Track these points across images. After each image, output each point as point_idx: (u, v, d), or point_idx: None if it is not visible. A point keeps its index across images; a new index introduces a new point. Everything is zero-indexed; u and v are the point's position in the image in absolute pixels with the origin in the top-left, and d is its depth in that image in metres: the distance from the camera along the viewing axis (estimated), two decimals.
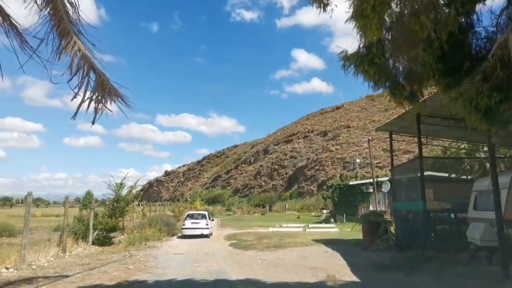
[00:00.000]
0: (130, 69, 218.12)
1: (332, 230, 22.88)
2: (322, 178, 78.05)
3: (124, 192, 17.83)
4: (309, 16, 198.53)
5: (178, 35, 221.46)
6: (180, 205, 28.83)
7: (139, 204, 24.27)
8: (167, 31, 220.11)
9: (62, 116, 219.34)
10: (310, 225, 28.74)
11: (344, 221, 33.12)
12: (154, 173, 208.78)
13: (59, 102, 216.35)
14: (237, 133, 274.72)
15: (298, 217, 46.05)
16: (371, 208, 32.37)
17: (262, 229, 26.34)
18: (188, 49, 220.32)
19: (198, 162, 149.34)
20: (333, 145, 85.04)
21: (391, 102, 6.53)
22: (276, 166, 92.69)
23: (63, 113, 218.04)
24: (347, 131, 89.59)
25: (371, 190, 32.05)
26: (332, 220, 33.93)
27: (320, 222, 34.08)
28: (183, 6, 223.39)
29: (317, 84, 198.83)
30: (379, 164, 71.29)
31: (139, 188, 17.15)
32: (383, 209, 31.95)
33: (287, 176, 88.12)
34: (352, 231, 21.38)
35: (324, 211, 43.73)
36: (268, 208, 69.30)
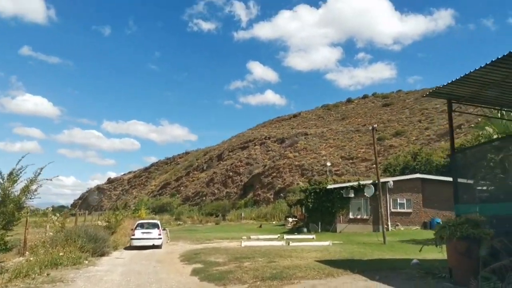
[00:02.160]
0: (77, 72, 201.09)
1: (320, 243, 17.13)
2: (279, 186, 73.05)
3: (16, 188, 10.64)
4: (265, 30, 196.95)
5: (132, 41, 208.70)
6: (119, 213, 21.46)
7: (58, 212, 16.84)
8: (120, 36, 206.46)
9: None
10: (286, 237, 22.82)
11: (319, 230, 27.63)
12: (97, 181, 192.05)
13: None
14: (189, 142, 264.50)
15: (260, 226, 40.01)
16: (351, 216, 27.28)
17: (228, 243, 19.87)
18: (142, 56, 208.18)
19: (146, 169, 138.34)
20: (291, 152, 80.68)
21: None
22: (231, 173, 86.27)
23: None
24: (304, 138, 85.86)
25: (352, 195, 26.95)
26: (305, 229, 28.28)
27: (291, 232, 28.30)
28: (138, 11, 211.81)
29: (270, 96, 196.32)
30: (338, 172, 67.86)
31: (41, 182, 9.48)
32: (365, 216, 26.96)
33: (242, 183, 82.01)
34: (357, 247, 15.72)
35: (290, 219, 38.09)
36: (221, 217, 62.60)
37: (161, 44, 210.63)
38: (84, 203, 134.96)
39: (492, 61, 7.88)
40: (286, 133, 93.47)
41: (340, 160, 73.27)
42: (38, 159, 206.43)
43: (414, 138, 71.80)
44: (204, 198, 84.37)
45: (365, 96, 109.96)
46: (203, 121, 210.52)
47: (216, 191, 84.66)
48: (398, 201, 26.21)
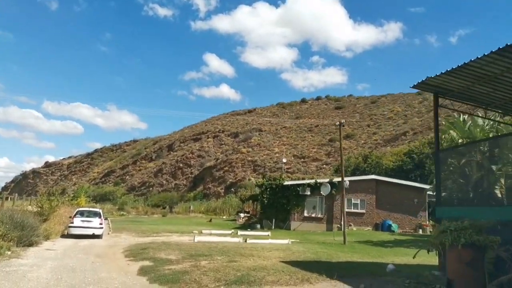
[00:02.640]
0: (17, 46, 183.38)
1: (279, 241, 16.09)
2: (231, 180, 71.81)
3: None
4: (224, 23, 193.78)
5: (81, 18, 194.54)
6: (54, 199, 18.84)
7: None
8: (68, 12, 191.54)
9: None
10: (240, 233, 21.59)
11: (273, 227, 26.78)
12: (33, 165, 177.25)
13: None
14: (137, 130, 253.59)
15: (210, 221, 38.46)
16: (305, 214, 26.73)
17: (179, 237, 18.18)
18: (91, 35, 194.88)
19: (88, 154, 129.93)
20: (244, 147, 79.69)
21: None
22: (181, 165, 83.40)
23: None
24: (259, 134, 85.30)
25: (308, 193, 26.39)
26: (258, 226, 27.27)
27: (244, 228, 27.14)
28: None
29: (225, 91, 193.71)
30: (289, 169, 68.05)
31: None
32: (320, 215, 26.54)
33: (193, 175, 79.60)
34: (318, 247, 14.89)
35: (242, 214, 36.96)
36: (169, 209, 60.04)
37: (113, 26, 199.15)
38: (17, 186, 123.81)
39: (492, 51, 7.18)
40: (240, 127, 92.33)
41: (292, 158, 73.63)
42: None
43: (362, 141, 74.09)
44: (151, 188, 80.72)
45: (318, 98, 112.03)
46: (154, 110, 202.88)
47: (164, 182, 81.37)
48: (353, 201, 26.11)
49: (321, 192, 25.85)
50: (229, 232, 21.84)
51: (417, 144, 41.09)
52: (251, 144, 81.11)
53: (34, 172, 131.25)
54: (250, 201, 42.35)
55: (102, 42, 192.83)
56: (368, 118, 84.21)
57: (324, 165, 70.54)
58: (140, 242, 15.44)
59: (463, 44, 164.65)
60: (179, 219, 44.17)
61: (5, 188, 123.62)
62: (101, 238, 17.13)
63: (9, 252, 10.68)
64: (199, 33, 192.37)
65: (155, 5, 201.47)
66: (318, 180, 26.69)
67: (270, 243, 15.62)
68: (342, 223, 17.84)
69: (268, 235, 21.47)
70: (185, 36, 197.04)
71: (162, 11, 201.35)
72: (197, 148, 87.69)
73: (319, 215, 26.38)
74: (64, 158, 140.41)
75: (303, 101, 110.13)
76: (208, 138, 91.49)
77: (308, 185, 26.39)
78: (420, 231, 24.75)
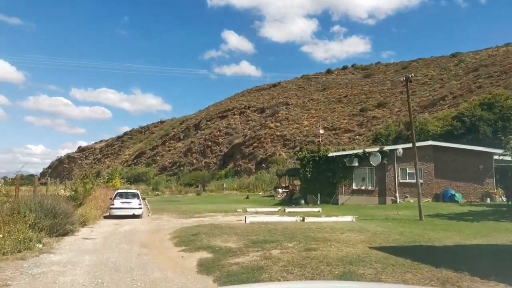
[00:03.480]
0: (41, 36, 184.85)
1: (341, 219, 13.78)
2: (261, 156, 69.78)
3: None
4: None
5: (98, 2, 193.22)
6: (88, 181, 17.17)
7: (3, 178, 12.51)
8: None
9: None
10: (287, 210, 19.47)
11: (318, 202, 24.51)
12: (67, 150, 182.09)
13: None
14: (163, 112, 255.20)
15: (247, 198, 36.67)
16: (354, 187, 24.23)
17: (224, 217, 16.24)
18: (110, 19, 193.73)
19: (119, 137, 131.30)
20: (272, 122, 77.10)
21: None
22: (210, 143, 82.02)
23: None
24: (286, 108, 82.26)
25: (356, 164, 23.76)
26: (302, 201, 25.07)
27: (287, 204, 25.05)
28: None
29: (246, 67, 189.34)
30: (321, 142, 65.11)
31: None
32: (370, 187, 23.98)
33: (222, 153, 78.17)
34: (394, 224, 12.48)
35: (280, 190, 34.93)
36: (202, 188, 59.12)
37: (130, 9, 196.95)
38: (54, 172, 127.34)
39: None
40: (266, 102, 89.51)
41: (323, 130, 70.46)
42: (4, 126, 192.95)
43: (396, 109, 69.86)
44: (181, 168, 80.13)
45: (344, 68, 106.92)
46: (177, 91, 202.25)
47: (194, 161, 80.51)
48: (407, 171, 23.28)
49: (371, 163, 23.25)
50: (276, 209, 19.74)
51: (467, 106, 37.22)
52: (279, 118, 78.38)
53: (69, 157, 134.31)
54: (287, 176, 40.23)
55: (121, 25, 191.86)
56: (401, 84, 79.04)
57: (357, 136, 67.18)
58: (185, 224, 13.51)
59: (493, 3, 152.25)
60: (214, 197, 42.80)
61: (42, 174, 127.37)
62: (141, 217, 17.24)
63: (40, 245, 8.89)
64: (215, 10, 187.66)
65: None
66: (367, 150, 23.95)
67: (332, 221, 13.33)
68: (418, 194, 15.13)
69: (319, 211, 19.24)
70: (202, 15, 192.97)
71: None
72: (224, 125, 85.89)
73: (370, 188, 23.79)
74: (96, 142, 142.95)
75: (329, 72, 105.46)
76: (234, 115, 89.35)
77: (356, 155, 23.73)
78: (488, 200, 21.82)
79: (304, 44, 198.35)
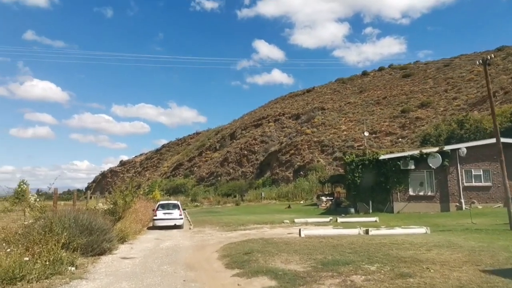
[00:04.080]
0: (82, 56, 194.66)
1: (413, 231, 11.67)
2: (298, 163, 67.61)
3: None
4: (269, 6, 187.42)
5: (135, 22, 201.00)
6: (128, 193, 16.17)
7: (37, 193, 11.67)
8: (123, 17, 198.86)
9: (7, 105, 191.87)
10: (339, 220, 17.47)
11: (370, 211, 22.23)
12: (110, 165, 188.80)
13: (4, 90, 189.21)
14: (198, 124, 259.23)
15: (289, 207, 34.84)
16: (411, 193, 21.73)
17: (272, 230, 14.57)
18: (146, 37, 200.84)
19: (157, 150, 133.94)
20: (308, 128, 74.84)
21: None
22: (246, 152, 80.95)
23: (8, 101, 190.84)
24: (321, 113, 79.75)
25: (412, 167, 21.31)
26: (352, 210, 22.90)
27: (334, 213, 22.96)
28: None
29: (277, 76, 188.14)
30: (361, 147, 62.01)
31: None
32: (430, 192, 21.38)
33: (258, 162, 76.75)
34: (489, 235, 10.25)
35: (323, 198, 32.76)
36: (240, 198, 57.93)
37: (164, 25, 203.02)
38: (98, 186, 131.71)
39: None
40: (301, 108, 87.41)
41: (362, 134, 67.28)
42: (51, 144, 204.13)
43: (442, 108, 65.38)
44: (219, 178, 79.56)
45: (381, 69, 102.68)
46: (211, 102, 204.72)
47: (231, 170, 79.68)
48: (473, 173, 20.54)
49: (430, 165, 20.78)
50: (326, 219, 17.79)
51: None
52: (315, 124, 75.99)
53: (111, 171, 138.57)
54: (329, 183, 37.99)
55: (156, 42, 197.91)
56: (444, 82, 74.48)
57: (400, 139, 63.41)
58: (232, 239, 12.00)
59: None
60: (254, 207, 41.28)
61: (88, 188, 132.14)
62: (182, 227, 17.77)
63: (72, 268, 7.65)
64: (246, 20, 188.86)
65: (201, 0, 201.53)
66: (424, 151, 21.45)
67: (403, 234, 11.26)
68: (506, 201, 12.66)
69: (376, 221, 17.10)
70: (233, 26, 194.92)
71: (208, 4, 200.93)
72: (259, 133, 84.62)
73: (429, 193, 21.21)
74: (136, 156, 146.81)
75: (364, 74, 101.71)
76: (269, 122, 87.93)
77: (412, 157, 21.30)
78: None
79: (336, 48, 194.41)
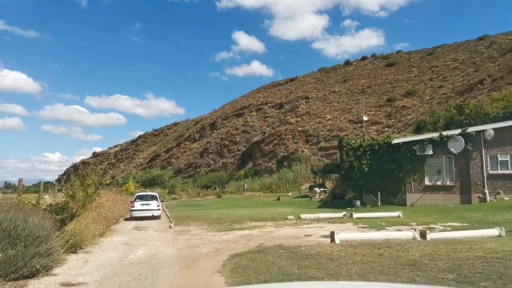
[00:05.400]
0: (55, 46, 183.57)
1: (476, 233, 8.59)
2: (282, 153, 64.50)
3: None
4: None
5: (110, 11, 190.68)
6: (90, 183, 12.31)
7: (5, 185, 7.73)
8: (98, 6, 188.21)
9: None
10: (355, 215, 14.27)
11: (379, 203, 19.25)
12: (83, 157, 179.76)
13: None
14: (176, 115, 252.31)
15: (278, 199, 31.58)
16: (427, 182, 18.86)
17: (278, 228, 11.16)
18: (122, 27, 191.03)
19: (133, 141, 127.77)
20: (292, 117, 71.77)
21: None
22: (227, 142, 77.13)
23: None
24: (305, 102, 76.85)
25: (430, 152, 18.39)
26: (358, 202, 19.81)
27: (329, 206, 19.87)
28: None
29: (257, 67, 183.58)
30: (346, 136, 59.75)
31: None
32: (449, 182, 18.56)
33: (240, 152, 73.21)
34: None
35: (317, 189, 29.67)
36: (220, 190, 54.55)
37: (141, 15, 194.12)
38: (69, 178, 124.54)
39: None
40: (284, 97, 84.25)
41: (348, 124, 65.05)
42: (22, 136, 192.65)
43: (428, 97, 63.81)
44: (198, 169, 75.54)
45: (364, 58, 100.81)
46: (190, 94, 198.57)
47: (211, 161, 75.77)
48: (499, 159, 17.83)
49: (451, 149, 17.90)
50: (339, 215, 14.53)
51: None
52: (299, 113, 73.01)
53: (83, 163, 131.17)
54: (319, 173, 35.01)
55: (133, 32, 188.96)
56: (429, 71, 73.06)
57: (386, 128, 61.41)
58: (230, 245, 8.52)
59: None
60: (238, 199, 37.85)
61: (58, 180, 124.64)
62: (159, 218, 17.77)
63: None
64: (225, 11, 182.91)
65: None
66: (444, 133, 18.54)
67: (474, 236, 8.10)
68: None
69: (399, 216, 14.02)
70: (212, 17, 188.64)
71: None
72: (241, 123, 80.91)
73: (448, 182, 18.36)
74: (110, 147, 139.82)
75: (347, 63, 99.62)
76: (251, 112, 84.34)
77: (430, 140, 18.36)
78: None
79: (315, 40, 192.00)
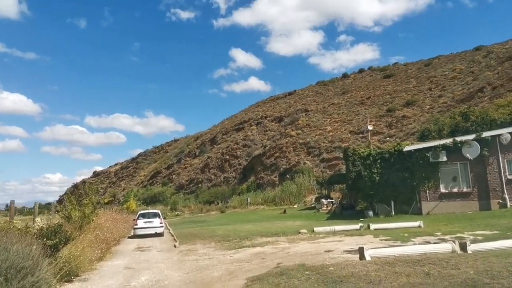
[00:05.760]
0: (55, 68, 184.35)
1: None
2: (284, 166, 63.45)
3: None
4: (245, 16, 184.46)
5: (109, 32, 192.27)
6: (87, 202, 11.29)
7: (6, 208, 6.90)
8: (97, 28, 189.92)
9: None
10: (372, 226, 13.23)
11: (393, 213, 18.20)
12: (84, 177, 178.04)
13: None
14: (176, 132, 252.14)
15: (284, 212, 30.39)
16: (442, 190, 17.85)
17: (293, 244, 10.08)
18: (121, 47, 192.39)
19: (133, 159, 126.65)
20: (292, 130, 71.01)
21: None
22: (227, 157, 76.12)
23: None
24: (305, 115, 76.25)
25: (444, 159, 17.46)
26: (370, 213, 18.75)
27: (341, 218, 18.81)
28: (113, 1, 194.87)
29: (255, 83, 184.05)
30: (349, 146, 58.81)
31: None
32: (465, 189, 17.56)
33: (241, 167, 72.11)
34: None
35: (324, 200, 28.54)
36: (223, 204, 53.29)
37: (140, 35, 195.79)
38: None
39: None
40: (283, 111, 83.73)
41: (349, 135, 64.25)
42: (22, 158, 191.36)
43: (428, 106, 63.26)
44: (200, 185, 74.31)
45: (361, 70, 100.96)
46: (189, 111, 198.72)
47: (212, 176, 74.57)
48: None
49: (467, 155, 16.97)
50: (355, 227, 13.46)
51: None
52: (299, 126, 72.32)
53: (84, 182, 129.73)
54: (324, 185, 33.89)
55: (132, 52, 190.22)
56: (427, 81, 72.78)
57: (388, 138, 60.62)
58: (244, 265, 7.50)
59: (499, 1, 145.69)
60: (243, 213, 36.66)
61: (59, 201, 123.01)
62: (163, 235, 17.57)
63: None
64: (222, 30, 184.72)
65: (176, 10, 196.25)
66: (458, 139, 17.65)
67: None
68: None
69: (420, 226, 12.98)
70: (209, 35, 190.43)
71: (184, 14, 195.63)
72: (241, 137, 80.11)
73: (465, 189, 17.37)
74: (111, 166, 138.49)
75: (345, 76, 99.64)
76: (251, 126, 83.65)
77: (443, 147, 17.45)
78: None
79: (312, 55, 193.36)
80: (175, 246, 13.00)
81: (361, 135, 64.52)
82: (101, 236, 11.19)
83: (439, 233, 11.25)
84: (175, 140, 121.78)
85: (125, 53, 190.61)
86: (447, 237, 10.36)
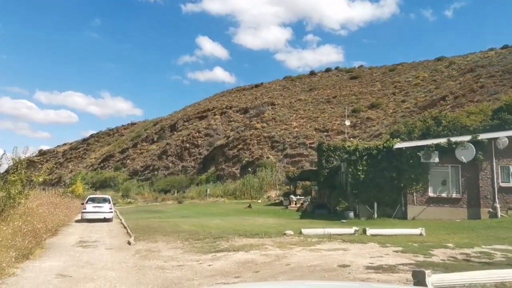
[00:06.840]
0: (6, 37, 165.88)
1: None
2: (247, 159, 61.32)
3: None
4: (215, 4, 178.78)
5: (68, 3, 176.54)
6: (16, 179, 8.11)
7: None
8: None
9: None
10: (370, 231, 11.29)
11: (375, 216, 16.58)
12: (28, 155, 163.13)
13: None
14: (133, 116, 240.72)
15: (249, 206, 28.15)
16: (431, 193, 16.47)
17: (283, 250, 7.76)
18: (80, 21, 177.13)
19: (84, 140, 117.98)
20: (258, 122, 68.97)
21: None
22: (188, 145, 72.45)
23: None
24: (271, 108, 74.51)
25: (436, 160, 16.05)
26: (351, 214, 16.99)
27: (312, 217, 16.97)
28: None
29: (220, 74, 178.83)
30: (312, 144, 58.06)
31: None
32: (455, 194, 16.31)
33: (202, 156, 68.94)
34: None
35: (293, 197, 26.62)
36: (180, 194, 50.29)
37: (102, 11, 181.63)
38: None
39: None
40: (249, 102, 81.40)
41: (314, 132, 63.47)
42: None
43: (391, 110, 64.15)
44: (155, 172, 70.09)
45: (328, 70, 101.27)
46: (149, 95, 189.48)
47: (170, 164, 70.60)
48: (511, 170, 15.89)
49: (461, 158, 15.66)
50: (349, 230, 11.46)
51: (507, 99, 31.16)
52: (265, 119, 70.45)
53: (28, 161, 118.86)
54: (299, 180, 32.06)
55: (92, 28, 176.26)
56: (392, 85, 73.97)
57: (351, 138, 60.51)
58: (230, 279, 5.08)
59: (458, 17, 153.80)
60: (203, 205, 33.95)
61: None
62: (111, 221, 17.37)
63: None
64: (190, 16, 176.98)
65: None
66: (453, 139, 16.31)
67: None
68: None
69: (421, 234, 11.25)
70: (176, 20, 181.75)
71: None
72: (204, 126, 76.67)
73: (454, 195, 16.09)
74: (59, 146, 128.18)
75: (312, 73, 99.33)
76: (215, 115, 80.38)
77: (437, 147, 16.03)
78: None
79: (278, 51, 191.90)
80: (129, 243, 10.18)
81: (325, 133, 64.00)
82: (31, 225, 8.10)
83: (450, 245, 9.52)
84: (132, 124, 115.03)
85: (84, 27, 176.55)
86: (468, 250, 8.60)
